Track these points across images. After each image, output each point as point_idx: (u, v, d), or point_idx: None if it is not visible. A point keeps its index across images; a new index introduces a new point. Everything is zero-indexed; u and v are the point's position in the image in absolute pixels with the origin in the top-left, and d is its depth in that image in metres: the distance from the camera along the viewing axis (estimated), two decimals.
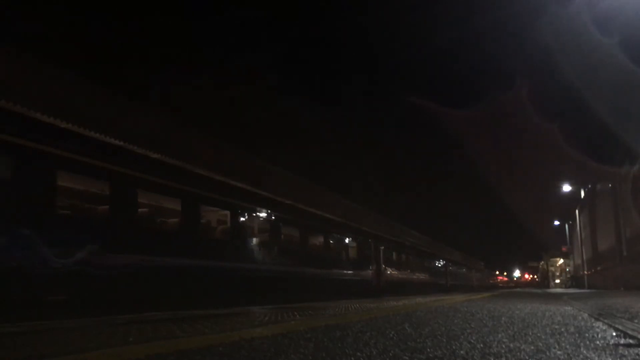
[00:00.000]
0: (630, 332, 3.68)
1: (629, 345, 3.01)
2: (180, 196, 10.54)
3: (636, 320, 4.66)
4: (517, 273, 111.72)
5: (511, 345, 3.02)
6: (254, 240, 13.41)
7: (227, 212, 12.50)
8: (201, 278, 10.54)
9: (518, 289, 41.38)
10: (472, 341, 3.19)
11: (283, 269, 14.19)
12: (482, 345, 2.99)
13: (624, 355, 2.65)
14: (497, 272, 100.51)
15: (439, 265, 37.76)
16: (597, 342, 3.14)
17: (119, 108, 9.53)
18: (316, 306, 8.14)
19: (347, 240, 20.43)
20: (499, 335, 3.50)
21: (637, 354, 2.67)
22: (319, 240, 18.09)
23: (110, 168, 8.70)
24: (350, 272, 19.69)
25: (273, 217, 14.45)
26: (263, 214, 14.10)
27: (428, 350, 2.84)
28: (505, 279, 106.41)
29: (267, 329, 4.09)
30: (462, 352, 2.77)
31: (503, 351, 2.78)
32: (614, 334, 3.63)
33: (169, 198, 10.59)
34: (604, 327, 4.09)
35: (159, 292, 9.14)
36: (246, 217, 13.30)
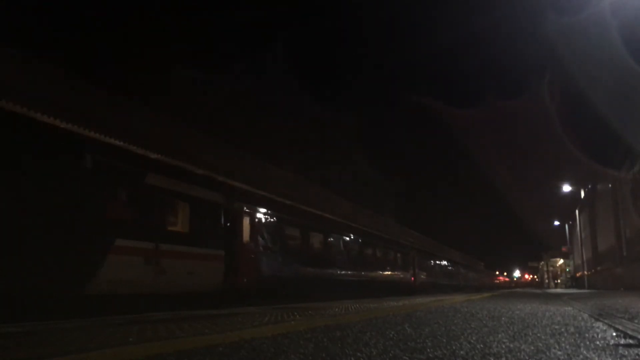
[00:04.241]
0: (630, 332, 3.67)
1: (629, 346, 3.01)
2: (323, 233, 18.12)
3: (636, 321, 4.65)
4: (517, 273, 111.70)
5: (511, 345, 3.02)
6: (348, 256, 19.87)
7: (339, 240, 19.59)
8: (326, 282, 16.99)
9: (518, 289, 41.46)
10: (472, 341, 3.19)
11: (358, 274, 20.40)
12: (482, 346, 2.99)
13: (624, 356, 2.65)
14: (497, 273, 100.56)
15: (454, 268, 43.42)
16: (597, 343, 3.14)
17: (293, 181, 17.67)
18: (316, 306, 8.14)
19: (396, 253, 26.65)
20: (499, 336, 3.50)
21: (637, 354, 2.67)
22: (383, 254, 24.51)
23: (298, 222, 16.28)
24: (396, 275, 26.03)
25: (360, 240, 21.58)
26: (352, 238, 20.86)
27: (428, 350, 2.84)
28: (507, 279, 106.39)
29: (267, 329, 4.09)
30: (462, 352, 2.77)
31: (503, 351, 2.78)
32: (614, 334, 3.63)
33: (316, 234, 17.65)
34: (604, 328, 4.09)
35: (322, 289, 15.37)
36: (345, 242, 20.00)
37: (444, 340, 3.24)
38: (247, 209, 12.95)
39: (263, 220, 13.82)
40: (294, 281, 14.68)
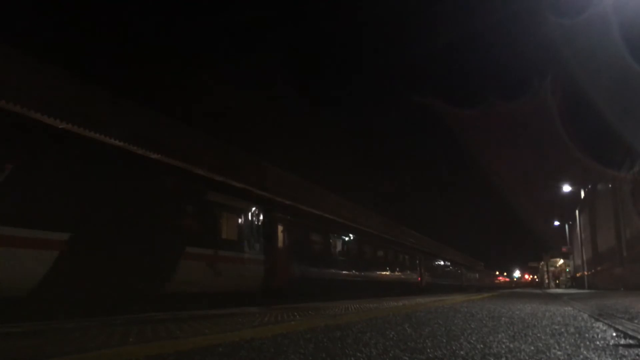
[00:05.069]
0: (630, 332, 3.67)
1: (629, 346, 3.01)
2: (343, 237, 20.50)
3: (636, 321, 4.65)
4: (517, 273, 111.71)
5: (511, 345, 3.02)
6: (365, 260, 22.14)
7: (360, 243, 22.00)
8: (348, 282, 19.26)
9: (518, 290, 41.49)
10: (472, 341, 3.19)
11: (374, 275, 22.98)
12: (482, 346, 2.99)
13: (624, 356, 2.64)
14: (497, 273, 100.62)
15: (456, 269, 45.40)
16: (597, 343, 3.13)
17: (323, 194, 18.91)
18: (316, 306, 8.14)
19: (405, 255, 28.80)
20: (499, 336, 3.50)
21: (637, 355, 2.67)
22: (394, 257, 26.82)
23: (325, 229, 18.35)
24: (406, 276, 28.33)
25: (375, 245, 23.88)
26: (369, 243, 23.01)
27: (428, 350, 2.84)
28: (507, 279, 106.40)
29: (267, 329, 4.09)
30: (462, 352, 2.77)
31: (503, 351, 2.78)
32: (614, 334, 3.62)
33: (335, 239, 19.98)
34: (604, 328, 4.09)
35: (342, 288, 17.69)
36: (363, 247, 22.12)
37: (444, 341, 3.24)
38: (281, 218, 14.60)
39: (295, 228, 15.51)
40: (321, 281, 16.58)
